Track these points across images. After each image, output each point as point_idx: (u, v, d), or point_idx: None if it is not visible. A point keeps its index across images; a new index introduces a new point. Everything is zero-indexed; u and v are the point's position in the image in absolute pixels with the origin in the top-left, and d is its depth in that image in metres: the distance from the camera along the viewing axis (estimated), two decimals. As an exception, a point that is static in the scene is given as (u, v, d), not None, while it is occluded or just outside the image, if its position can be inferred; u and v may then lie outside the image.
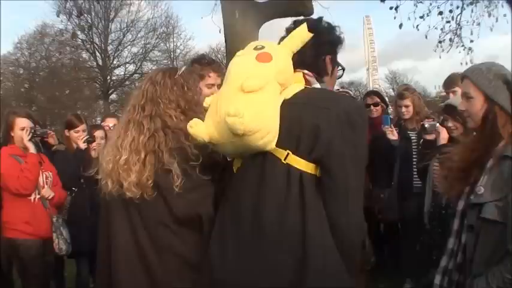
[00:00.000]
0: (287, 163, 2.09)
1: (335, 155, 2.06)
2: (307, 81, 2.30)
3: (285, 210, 2.06)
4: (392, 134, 5.38)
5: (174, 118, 2.52)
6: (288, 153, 2.09)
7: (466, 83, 2.53)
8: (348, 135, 2.08)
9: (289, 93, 2.17)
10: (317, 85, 2.33)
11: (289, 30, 2.37)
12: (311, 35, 2.28)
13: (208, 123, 2.16)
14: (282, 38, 2.36)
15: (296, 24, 2.38)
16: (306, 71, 2.32)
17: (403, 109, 5.48)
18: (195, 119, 2.20)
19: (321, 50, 2.37)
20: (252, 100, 2.04)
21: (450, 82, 5.60)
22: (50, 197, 4.75)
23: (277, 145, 2.10)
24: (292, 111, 2.10)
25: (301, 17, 2.51)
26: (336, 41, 2.44)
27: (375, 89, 7.41)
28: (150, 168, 2.46)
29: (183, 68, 2.69)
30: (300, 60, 2.30)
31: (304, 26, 2.28)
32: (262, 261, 2.06)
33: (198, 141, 2.20)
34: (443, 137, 4.38)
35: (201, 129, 2.15)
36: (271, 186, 2.10)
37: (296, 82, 2.25)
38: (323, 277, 2.04)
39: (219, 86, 3.85)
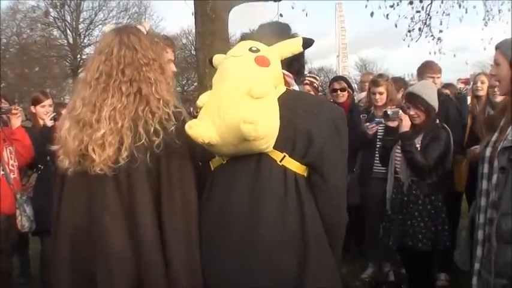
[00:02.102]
0: (283, 165, 2.14)
1: (327, 159, 2.15)
2: (286, 83, 2.31)
3: (286, 211, 2.11)
4: (371, 131, 5.37)
5: (152, 82, 2.31)
6: (285, 156, 2.14)
7: (497, 52, 2.89)
8: (335, 140, 2.18)
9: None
10: (295, 87, 2.37)
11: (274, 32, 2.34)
12: (302, 50, 2.29)
13: (208, 124, 2.12)
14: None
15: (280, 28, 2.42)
16: (286, 72, 2.31)
17: (377, 96, 5.49)
18: (194, 120, 2.16)
19: None
20: (261, 106, 2.06)
21: (424, 69, 5.70)
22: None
23: (273, 147, 2.12)
24: (285, 115, 2.11)
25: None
26: None
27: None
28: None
29: (148, 26, 2.54)
30: None
31: (301, 40, 2.26)
32: (264, 260, 2.09)
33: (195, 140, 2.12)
34: (406, 124, 4.39)
35: (200, 130, 2.11)
36: (267, 186, 2.13)
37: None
38: (321, 274, 2.13)
39: (173, 61, 3.87)
